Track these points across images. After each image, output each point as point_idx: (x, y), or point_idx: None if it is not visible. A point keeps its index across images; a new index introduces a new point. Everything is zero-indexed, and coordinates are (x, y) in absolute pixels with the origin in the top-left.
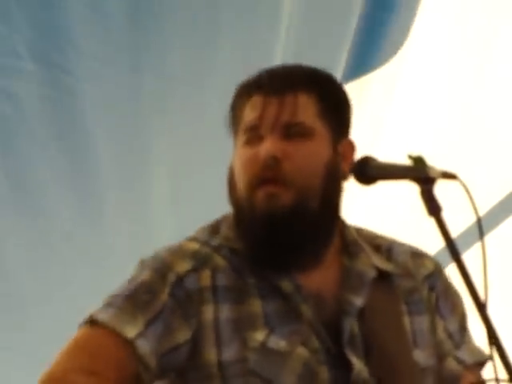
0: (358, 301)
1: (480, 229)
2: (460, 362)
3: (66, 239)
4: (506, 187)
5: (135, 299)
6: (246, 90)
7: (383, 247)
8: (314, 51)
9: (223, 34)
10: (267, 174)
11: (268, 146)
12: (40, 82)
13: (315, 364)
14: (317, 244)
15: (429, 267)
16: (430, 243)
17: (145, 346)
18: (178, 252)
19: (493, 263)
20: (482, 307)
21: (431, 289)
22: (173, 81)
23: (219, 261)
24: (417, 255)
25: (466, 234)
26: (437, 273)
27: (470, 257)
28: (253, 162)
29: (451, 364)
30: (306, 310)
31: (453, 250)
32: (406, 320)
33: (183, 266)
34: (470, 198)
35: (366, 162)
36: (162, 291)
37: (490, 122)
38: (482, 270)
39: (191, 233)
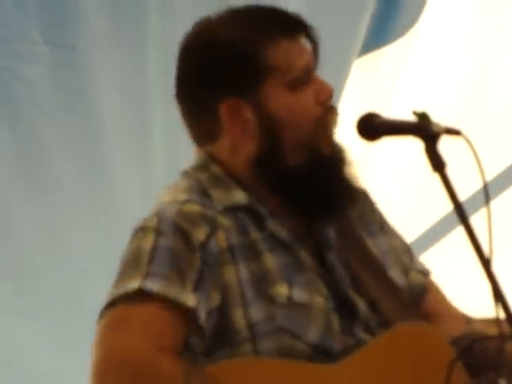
0: (330, 233)
1: (485, 186)
2: (422, 273)
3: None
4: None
5: (177, 266)
6: (279, 30)
7: None
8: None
9: None
10: (331, 118)
11: (329, 85)
12: (53, 64)
13: (330, 312)
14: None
15: (362, 193)
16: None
17: (202, 315)
18: (185, 216)
19: (501, 222)
20: (486, 264)
21: (372, 210)
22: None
23: (225, 222)
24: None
25: (477, 195)
26: (368, 196)
27: (477, 217)
28: (314, 104)
29: (416, 277)
30: (306, 257)
31: (456, 204)
32: (370, 244)
33: (202, 231)
34: (475, 154)
35: (370, 118)
36: (194, 257)
37: (502, 89)
38: (486, 226)
39: None
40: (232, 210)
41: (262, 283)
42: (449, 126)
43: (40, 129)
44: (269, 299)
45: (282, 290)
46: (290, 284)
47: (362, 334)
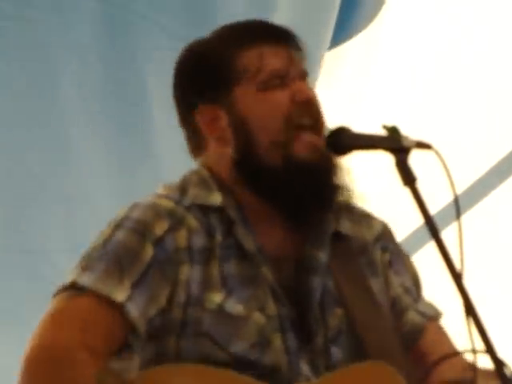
0: (323, 257)
1: (456, 199)
2: (422, 314)
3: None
4: (487, 161)
5: (118, 260)
6: (252, 38)
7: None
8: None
9: None
10: (308, 120)
11: (310, 89)
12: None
13: (270, 331)
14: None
15: (378, 228)
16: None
17: (134, 310)
18: (153, 210)
19: (471, 236)
20: (458, 278)
21: (384, 249)
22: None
23: (192, 222)
24: (365, 216)
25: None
26: (387, 233)
27: (449, 231)
28: (288, 103)
29: (414, 317)
30: (267, 273)
31: (427, 219)
32: (371, 281)
33: (161, 227)
34: (445, 167)
35: (341, 132)
36: (144, 252)
37: (471, 91)
38: (457, 240)
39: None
40: (204, 209)
41: (202, 287)
42: (419, 140)
43: None
44: (201, 304)
45: (215, 298)
46: (229, 294)
47: (304, 366)
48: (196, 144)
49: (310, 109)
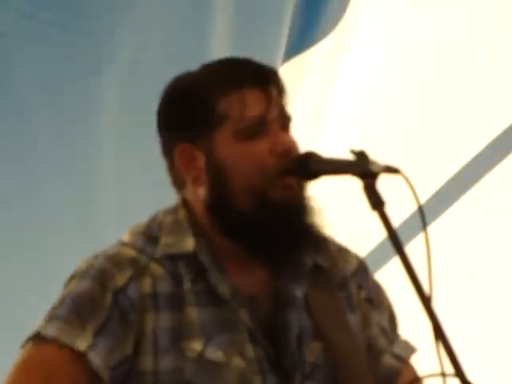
0: (299, 292)
1: (423, 220)
2: (398, 358)
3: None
4: (444, 176)
5: (79, 310)
6: (231, 82)
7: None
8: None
9: None
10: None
11: (290, 139)
12: None
13: (251, 375)
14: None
15: (353, 263)
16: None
17: (96, 359)
18: (114, 260)
19: (436, 254)
20: (426, 301)
21: (359, 286)
22: (105, 41)
23: (157, 269)
24: (342, 250)
25: (408, 224)
26: (363, 269)
27: (413, 248)
28: (267, 155)
29: (389, 360)
30: (244, 316)
31: (396, 244)
32: (348, 316)
33: (123, 276)
34: (413, 192)
35: (309, 157)
36: (104, 299)
37: (431, 101)
38: (425, 262)
39: (133, 213)
40: (172, 258)
41: (178, 335)
42: (387, 165)
43: None
44: (180, 352)
45: (195, 346)
46: (207, 341)
47: None
48: (176, 179)
49: (288, 158)
